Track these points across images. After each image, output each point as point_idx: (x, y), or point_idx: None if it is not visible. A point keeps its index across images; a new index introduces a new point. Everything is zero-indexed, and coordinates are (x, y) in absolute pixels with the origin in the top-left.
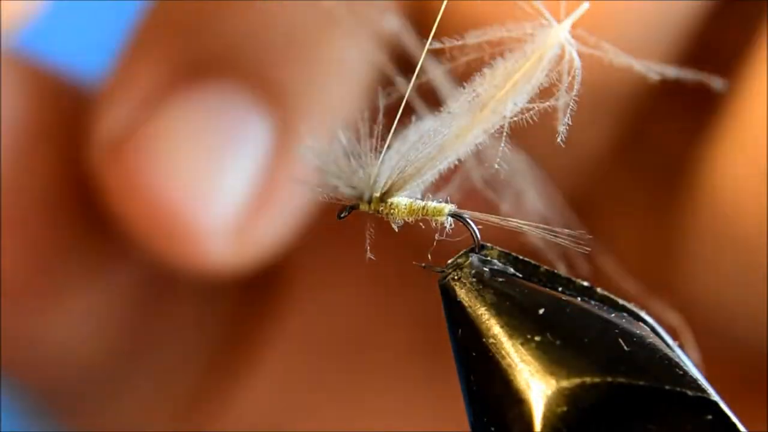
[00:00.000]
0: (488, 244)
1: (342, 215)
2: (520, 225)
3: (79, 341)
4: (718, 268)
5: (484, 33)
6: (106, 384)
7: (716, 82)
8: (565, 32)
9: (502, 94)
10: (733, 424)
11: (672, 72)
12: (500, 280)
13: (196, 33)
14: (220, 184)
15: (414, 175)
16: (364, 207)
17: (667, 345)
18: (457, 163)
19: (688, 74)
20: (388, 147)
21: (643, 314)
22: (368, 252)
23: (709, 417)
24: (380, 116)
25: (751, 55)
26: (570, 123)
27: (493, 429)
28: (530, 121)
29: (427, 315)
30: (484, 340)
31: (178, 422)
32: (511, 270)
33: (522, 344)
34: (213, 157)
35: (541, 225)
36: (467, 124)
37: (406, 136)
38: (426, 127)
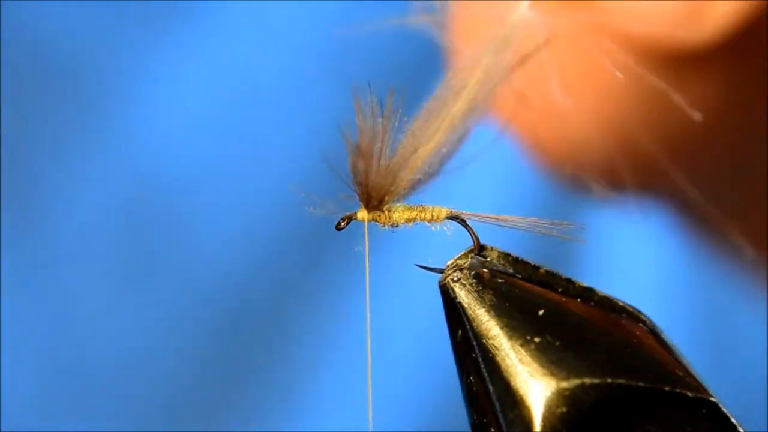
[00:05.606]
0: (488, 245)
1: (341, 226)
2: (516, 223)
3: None
4: None
5: None
6: None
7: None
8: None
9: (474, 81)
10: (733, 426)
11: None
12: (500, 281)
13: None
14: None
15: (407, 179)
16: (362, 215)
17: (667, 346)
18: None
19: None
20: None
21: (642, 315)
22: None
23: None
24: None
25: None
26: None
27: (492, 430)
28: None
29: None
30: (483, 341)
31: None
32: (511, 271)
33: (522, 345)
34: None
35: (537, 219)
36: (444, 117)
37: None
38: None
